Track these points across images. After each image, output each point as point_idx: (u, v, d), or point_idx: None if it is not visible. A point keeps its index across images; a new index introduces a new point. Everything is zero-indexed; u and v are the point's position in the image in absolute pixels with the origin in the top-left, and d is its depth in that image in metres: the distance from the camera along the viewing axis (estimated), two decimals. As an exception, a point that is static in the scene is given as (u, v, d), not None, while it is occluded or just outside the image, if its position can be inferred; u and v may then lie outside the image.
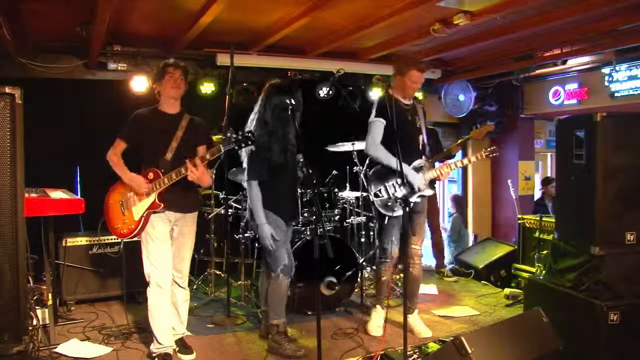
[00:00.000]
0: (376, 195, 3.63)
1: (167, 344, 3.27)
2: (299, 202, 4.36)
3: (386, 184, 3.64)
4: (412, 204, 3.61)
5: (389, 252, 3.70)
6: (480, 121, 7.00)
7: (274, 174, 3.42)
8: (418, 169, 3.70)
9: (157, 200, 3.19)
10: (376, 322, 3.80)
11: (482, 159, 3.88)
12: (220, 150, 3.10)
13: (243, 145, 3.07)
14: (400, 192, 3.57)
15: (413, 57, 3.70)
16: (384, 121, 3.61)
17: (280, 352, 3.47)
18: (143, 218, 3.20)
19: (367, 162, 3.91)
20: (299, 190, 4.35)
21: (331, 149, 5.04)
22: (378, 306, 3.83)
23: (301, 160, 3.57)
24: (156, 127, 3.29)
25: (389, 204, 3.61)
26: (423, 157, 3.77)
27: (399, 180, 3.57)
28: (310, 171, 3.43)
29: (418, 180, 3.65)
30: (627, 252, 3.05)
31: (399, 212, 3.58)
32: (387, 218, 3.67)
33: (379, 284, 3.84)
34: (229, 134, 3.06)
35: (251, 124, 3.50)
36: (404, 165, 3.52)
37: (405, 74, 3.61)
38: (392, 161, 3.56)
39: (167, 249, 3.28)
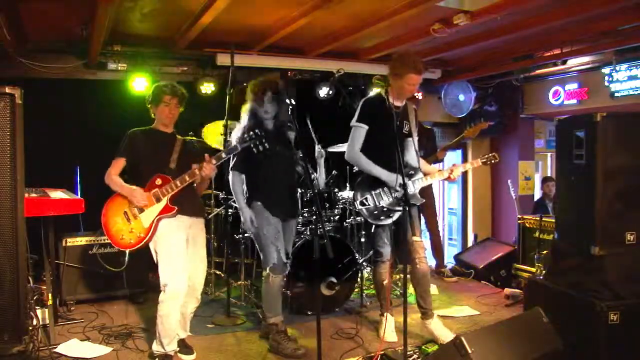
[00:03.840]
0: (362, 204, 3.57)
1: (171, 349, 3.28)
2: (298, 201, 4.35)
3: (373, 192, 3.56)
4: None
5: (383, 254, 3.68)
6: (481, 121, 7.00)
7: (263, 166, 3.47)
8: (410, 177, 3.61)
9: (169, 204, 3.18)
10: (389, 327, 3.73)
11: (478, 166, 3.82)
12: (237, 148, 3.19)
13: (258, 143, 3.12)
14: (387, 200, 3.54)
15: (410, 58, 3.52)
16: (365, 127, 3.54)
17: (279, 351, 3.48)
18: (154, 224, 3.18)
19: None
20: (299, 190, 4.36)
21: (330, 150, 5.04)
22: (386, 313, 3.74)
23: (300, 156, 3.57)
24: (154, 144, 3.31)
25: (375, 212, 3.56)
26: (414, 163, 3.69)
27: (383, 188, 3.54)
28: (310, 170, 3.43)
29: (389, 177, 3.52)
30: (627, 252, 3.06)
31: (385, 221, 3.57)
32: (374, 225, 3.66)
33: (381, 289, 3.78)
34: (245, 135, 3.18)
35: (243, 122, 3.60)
36: (382, 170, 3.51)
37: (402, 76, 3.48)
38: (372, 168, 3.53)
39: (183, 258, 3.25)
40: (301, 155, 3.68)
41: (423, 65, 3.55)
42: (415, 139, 3.71)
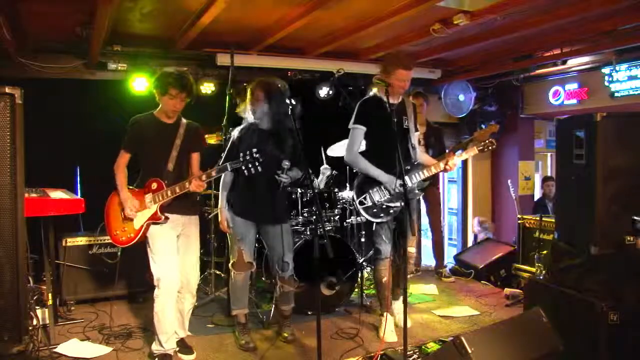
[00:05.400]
0: (361, 203, 3.62)
1: (170, 347, 3.29)
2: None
3: (370, 191, 3.62)
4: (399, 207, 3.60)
5: (383, 251, 3.71)
6: (482, 121, 7.00)
7: (237, 174, 3.57)
8: (407, 172, 3.60)
9: (158, 212, 3.20)
10: (389, 327, 3.74)
11: (475, 154, 3.78)
12: (227, 169, 3.19)
13: (250, 165, 3.08)
14: (384, 197, 3.58)
15: (399, 55, 3.61)
16: (364, 128, 3.62)
17: (236, 341, 3.67)
18: (143, 228, 3.22)
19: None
20: (299, 192, 4.36)
21: (330, 153, 5.05)
22: (386, 313, 3.75)
23: (286, 165, 3.48)
24: (155, 137, 3.30)
25: (375, 210, 3.61)
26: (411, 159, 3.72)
27: (381, 186, 3.59)
28: (310, 171, 3.43)
29: (388, 179, 3.58)
30: (627, 252, 3.05)
31: (385, 218, 3.63)
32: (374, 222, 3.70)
33: (381, 287, 3.79)
34: (241, 154, 3.14)
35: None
36: (380, 172, 3.56)
37: (391, 73, 3.52)
38: (369, 168, 3.60)
39: (175, 253, 3.28)
40: (287, 164, 3.70)
41: (412, 61, 3.60)
42: (415, 134, 3.76)
